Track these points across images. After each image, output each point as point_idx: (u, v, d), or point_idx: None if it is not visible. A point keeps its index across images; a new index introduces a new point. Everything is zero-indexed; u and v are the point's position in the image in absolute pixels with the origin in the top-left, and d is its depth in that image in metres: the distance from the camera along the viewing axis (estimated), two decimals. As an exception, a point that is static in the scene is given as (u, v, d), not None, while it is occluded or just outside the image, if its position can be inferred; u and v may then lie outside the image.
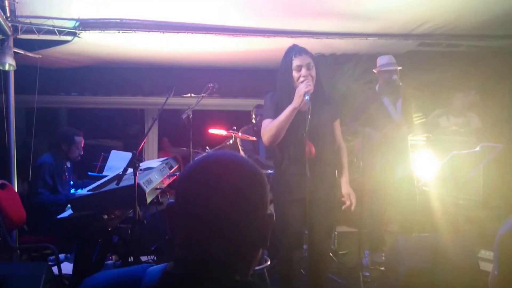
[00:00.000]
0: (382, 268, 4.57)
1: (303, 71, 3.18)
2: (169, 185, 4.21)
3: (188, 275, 1.04)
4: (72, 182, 4.84)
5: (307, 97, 3.06)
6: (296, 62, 3.21)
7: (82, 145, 4.76)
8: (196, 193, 1.07)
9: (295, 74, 3.21)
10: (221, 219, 1.04)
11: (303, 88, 3.09)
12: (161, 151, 7.53)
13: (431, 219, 4.47)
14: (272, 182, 3.49)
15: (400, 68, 4.60)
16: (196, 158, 1.19)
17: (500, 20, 4.59)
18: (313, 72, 3.21)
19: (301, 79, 3.16)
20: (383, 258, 4.71)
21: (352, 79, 6.07)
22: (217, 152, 1.23)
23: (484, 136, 4.68)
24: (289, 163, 3.29)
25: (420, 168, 4.88)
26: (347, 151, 3.61)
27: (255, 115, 5.79)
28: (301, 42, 4.90)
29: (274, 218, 1.14)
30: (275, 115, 3.24)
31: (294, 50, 3.26)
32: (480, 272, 3.43)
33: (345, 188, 3.45)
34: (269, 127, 3.24)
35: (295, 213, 3.28)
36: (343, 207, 3.35)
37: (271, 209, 3.84)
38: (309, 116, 3.15)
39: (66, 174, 4.70)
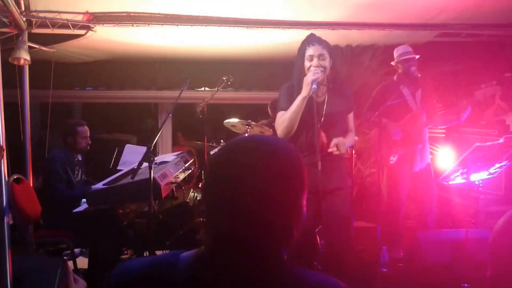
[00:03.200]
0: (401, 264, 4.50)
1: (314, 61, 3.17)
2: (184, 180, 4.18)
3: (218, 260, 1.01)
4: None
5: (314, 86, 3.05)
6: (309, 51, 3.21)
7: (88, 134, 4.70)
8: (225, 168, 1.03)
9: (306, 63, 3.21)
10: (250, 198, 0.98)
11: (310, 76, 3.09)
12: (175, 146, 7.51)
13: (451, 214, 4.39)
14: None
15: (418, 56, 4.51)
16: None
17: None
18: (326, 63, 3.19)
19: (312, 69, 3.15)
20: (402, 254, 4.64)
21: (368, 71, 5.98)
22: (254, 134, 1.18)
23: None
24: (303, 154, 3.23)
25: (441, 161, 4.79)
26: (364, 144, 3.54)
27: (270, 110, 5.75)
28: (317, 33, 4.83)
29: (305, 212, 1.10)
30: (289, 106, 3.22)
31: (308, 40, 3.25)
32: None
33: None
34: (281, 119, 3.24)
35: (309, 207, 3.20)
36: (328, 150, 3.17)
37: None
38: (324, 107, 3.16)
39: (78, 167, 4.68)
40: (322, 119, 3.19)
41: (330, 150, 3.16)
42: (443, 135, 5.06)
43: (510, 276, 1.18)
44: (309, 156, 3.18)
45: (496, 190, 4.50)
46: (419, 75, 4.43)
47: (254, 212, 0.99)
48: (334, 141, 3.17)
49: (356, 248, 4.89)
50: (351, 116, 3.45)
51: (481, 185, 4.16)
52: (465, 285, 3.51)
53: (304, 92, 3.09)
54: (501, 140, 3.44)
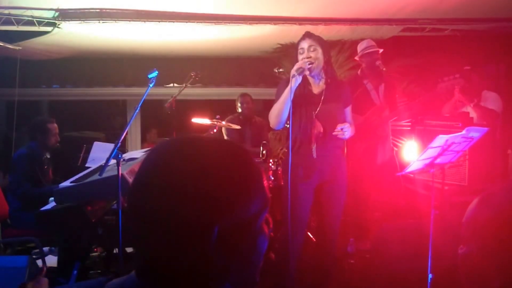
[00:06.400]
0: (368, 255, 4.58)
1: (305, 53, 3.32)
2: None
3: None
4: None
5: (295, 74, 3.19)
6: (300, 45, 3.37)
7: (57, 131, 4.66)
8: (139, 183, 0.88)
9: (299, 57, 3.35)
10: (162, 219, 0.81)
11: (294, 67, 3.23)
12: (145, 142, 7.47)
13: (416, 205, 4.48)
14: (283, 165, 3.69)
15: (381, 50, 4.59)
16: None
17: (481, 3, 4.60)
18: (316, 54, 3.33)
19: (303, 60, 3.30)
20: (368, 245, 4.72)
21: (335, 66, 6.05)
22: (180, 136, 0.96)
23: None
24: (300, 144, 3.40)
25: (406, 153, 4.88)
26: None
27: (240, 103, 5.75)
28: (284, 29, 4.89)
29: (266, 238, 0.90)
30: None
31: (302, 36, 3.42)
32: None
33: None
34: (272, 110, 3.41)
35: (302, 195, 3.39)
36: (333, 133, 3.31)
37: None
38: (321, 98, 3.35)
39: (47, 165, 4.63)
40: (318, 109, 3.34)
41: (334, 133, 3.29)
42: (409, 128, 5.16)
43: (481, 253, 1.21)
44: (307, 147, 3.36)
45: (460, 181, 4.60)
46: (384, 69, 4.51)
47: (170, 241, 0.81)
48: (340, 125, 3.29)
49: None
50: (348, 110, 3.59)
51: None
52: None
53: (291, 83, 3.21)
54: (464, 132, 3.54)
